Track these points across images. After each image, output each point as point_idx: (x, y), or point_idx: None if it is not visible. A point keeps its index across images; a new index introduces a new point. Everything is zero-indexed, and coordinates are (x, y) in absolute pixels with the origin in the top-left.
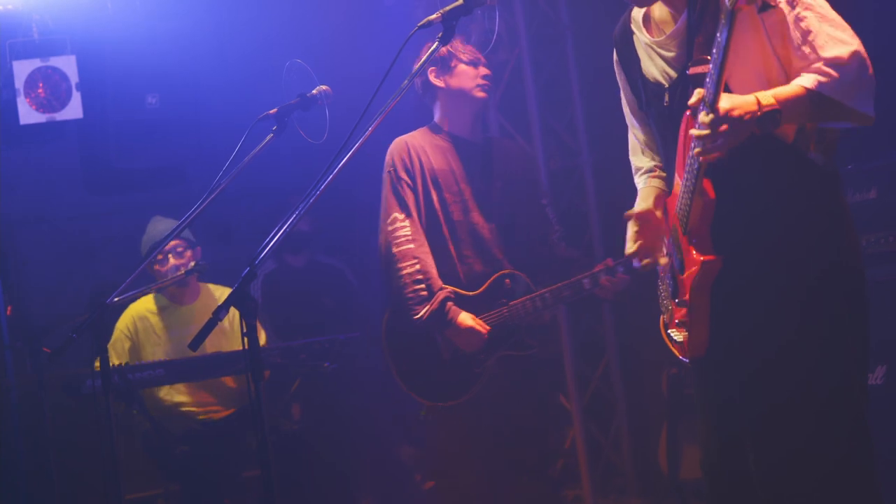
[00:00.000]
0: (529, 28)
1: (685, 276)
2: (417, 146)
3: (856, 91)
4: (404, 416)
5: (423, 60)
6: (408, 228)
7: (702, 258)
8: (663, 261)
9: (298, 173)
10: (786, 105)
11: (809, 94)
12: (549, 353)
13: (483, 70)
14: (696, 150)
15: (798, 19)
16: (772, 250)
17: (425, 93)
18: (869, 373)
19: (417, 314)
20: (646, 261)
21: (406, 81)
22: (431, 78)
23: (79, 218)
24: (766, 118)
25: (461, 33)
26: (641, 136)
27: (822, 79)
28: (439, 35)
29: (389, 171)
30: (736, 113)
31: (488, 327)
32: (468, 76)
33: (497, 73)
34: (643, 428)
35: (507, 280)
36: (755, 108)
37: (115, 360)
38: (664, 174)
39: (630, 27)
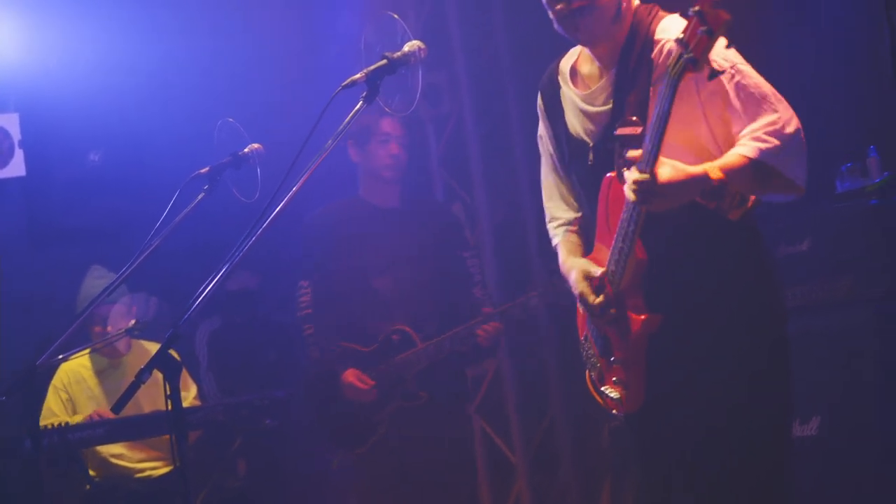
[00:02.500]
0: (471, 80)
1: (621, 334)
2: (332, 214)
3: (794, 161)
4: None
5: (345, 122)
6: (309, 295)
7: (641, 317)
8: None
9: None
10: (731, 176)
11: (752, 164)
12: (454, 402)
13: (393, 148)
14: (632, 201)
15: (738, 87)
16: (699, 307)
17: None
18: (803, 423)
19: (318, 371)
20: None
21: (330, 142)
22: (350, 150)
23: (23, 274)
24: (716, 191)
25: (385, 93)
26: (563, 187)
27: (763, 146)
28: (363, 95)
29: (303, 240)
30: (676, 186)
31: (372, 382)
32: (377, 156)
33: (440, 125)
34: (590, 480)
35: (395, 336)
36: (705, 182)
37: (56, 418)
38: (579, 229)
39: (557, 80)
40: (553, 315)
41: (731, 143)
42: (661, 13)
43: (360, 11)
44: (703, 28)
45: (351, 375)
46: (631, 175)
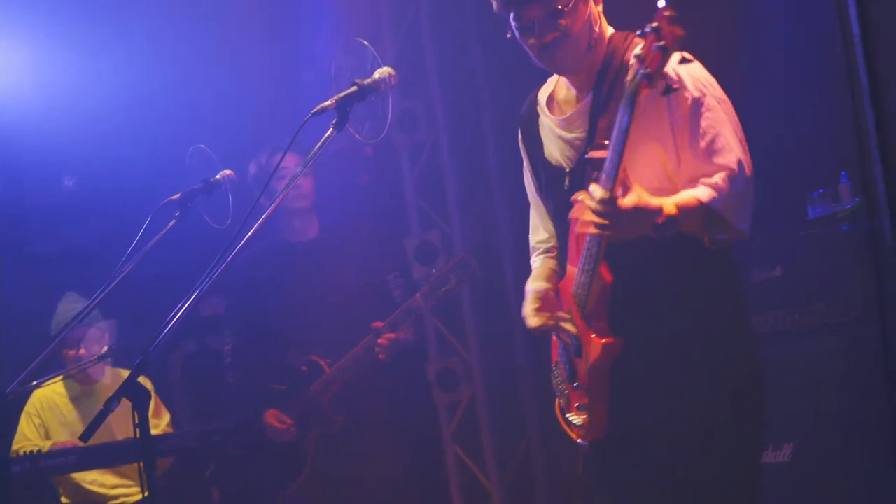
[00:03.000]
0: (447, 107)
1: (584, 359)
2: (249, 263)
3: (743, 211)
4: None
5: (315, 149)
6: (231, 345)
7: (602, 341)
8: (570, 328)
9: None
10: (682, 214)
11: (703, 207)
12: (377, 420)
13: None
14: (591, 228)
15: (702, 113)
16: (671, 334)
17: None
18: (776, 450)
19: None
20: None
21: (300, 168)
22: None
23: None
24: (667, 226)
25: (356, 120)
26: (541, 216)
27: (717, 194)
28: (334, 121)
29: (227, 290)
30: (635, 213)
31: (289, 420)
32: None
33: (415, 152)
34: None
35: (304, 367)
36: (658, 216)
37: (29, 442)
38: (557, 256)
39: (535, 109)
40: (529, 340)
41: (687, 170)
42: (636, 40)
43: (334, 38)
44: (658, 44)
45: (270, 417)
46: (594, 192)
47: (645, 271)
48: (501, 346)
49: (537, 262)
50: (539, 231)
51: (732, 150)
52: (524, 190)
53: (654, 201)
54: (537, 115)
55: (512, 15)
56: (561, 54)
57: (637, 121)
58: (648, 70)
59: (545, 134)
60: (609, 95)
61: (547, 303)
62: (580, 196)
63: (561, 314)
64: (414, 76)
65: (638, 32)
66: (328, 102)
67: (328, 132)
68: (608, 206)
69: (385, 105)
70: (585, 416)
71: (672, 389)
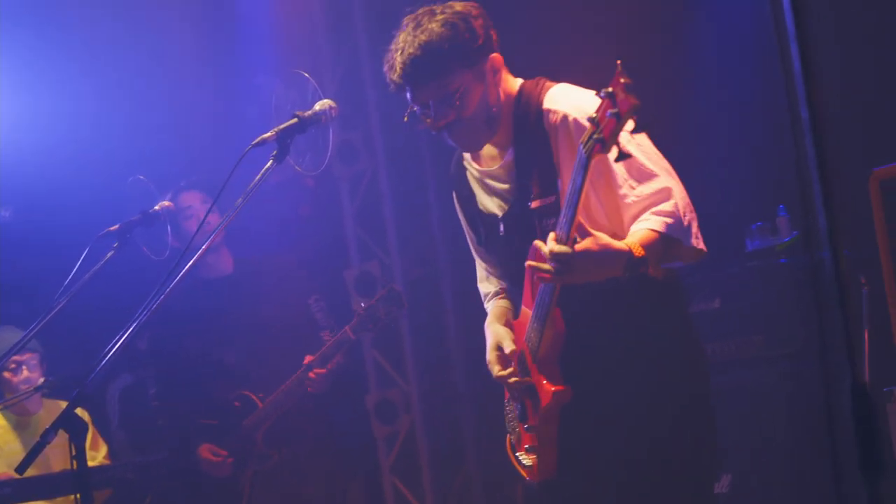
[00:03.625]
0: (386, 138)
1: (535, 402)
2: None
3: (691, 228)
4: None
5: (255, 181)
6: (154, 388)
7: (553, 388)
8: (527, 381)
9: None
10: (649, 251)
11: (661, 238)
12: (313, 452)
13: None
14: (545, 275)
15: (630, 157)
16: (624, 376)
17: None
18: (715, 482)
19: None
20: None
21: (240, 200)
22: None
23: None
24: (636, 265)
25: (296, 152)
26: (485, 267)
27: (668, 220)
28: (274, 153)
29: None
30: (598, 257)
31: (224, 453)
32: (190, 229)
33: (354, 183)
34: None
35: (237, 402)
36: (626, 257)
37: None
38: (507, 296)
39: (462, 163)
40: (469, 370)
41: (629, 210)
42: (547, 84)
43: (275, 71)
44: (612, 110)
45: (205, 451)
46: (548, 245)
47: (598, 317)
48: (440, 376)
49: (490, 305)
50: (485, 281)
51: (657, 174)
52: (420, 243)
53: (620, 244)
54: (465, 169)
55: (409, 97)
56: (456, 137)
57: (565, 174)
58: (602, 136)
59: (475, 185)
60: (533, 145)
61: (503, 350)
62: (537, 243)
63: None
64: (353, 108)
65: (593, 94)
66: (269, 134)
67: (268, 164)
68: (566, 257)
69: (326, 137)
70: (534, 458)
71: (621, 432)
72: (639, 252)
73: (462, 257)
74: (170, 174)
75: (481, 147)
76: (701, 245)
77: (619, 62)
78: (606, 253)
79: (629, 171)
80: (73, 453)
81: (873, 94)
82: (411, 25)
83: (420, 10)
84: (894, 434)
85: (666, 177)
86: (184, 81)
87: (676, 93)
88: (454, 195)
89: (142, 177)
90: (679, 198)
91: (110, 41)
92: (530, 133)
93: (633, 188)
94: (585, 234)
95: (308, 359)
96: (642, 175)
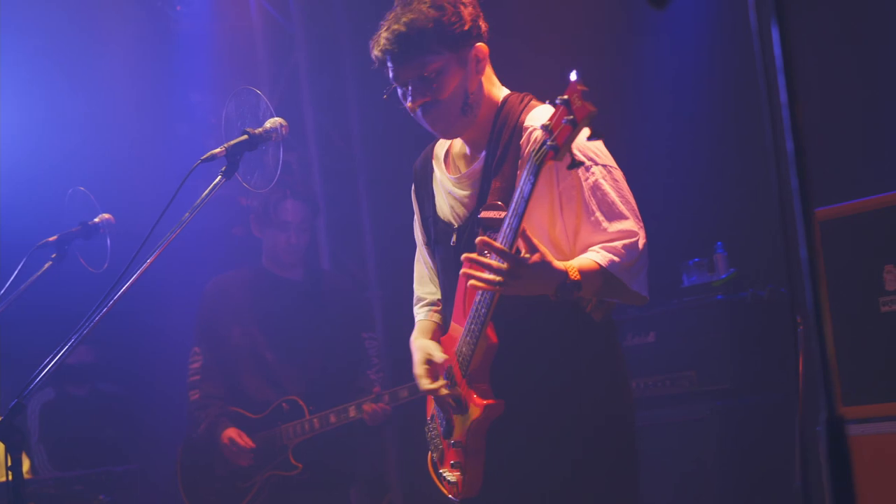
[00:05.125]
0: (323, 162)
1: (463, 417)
2: (229, 285)
3: (640, 276)
4: None
5: (203, 197)
6: (199, 362)
7: (484, 402)
8: (456, 394)
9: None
10: (585, 279)
11: (602, 272)
12: (331, 478)
13: (292, 238)
14: (483, 284)
15: (595, 188)
16: (551, 398)
17: (255, 229)
18: None
19: (200, 429)
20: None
21: (188, 214)
22: (252, 224)
23: None
24: (570, 289)
25: (245, 168)
26: (428, 269)
27: (615, 258)
28: (223, 169)
29: (200, 306)
30: (538, 271)
31: (252, 444)
32: (276, 242)
33: None
34: None
35: (285, 405)
36: (562, 278)
37: None
38: (442, 310)
39: (431, 163)
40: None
41: (584, 238)
42: (533, 102)
43: (211, 90)
44: (568, 117)
45: (232, 431)
46: (494, 248)
47: (529, 334)
48: (411, 401)
49: (421, 315)
50: (425, 282)
51: (626, 216)
52: (396, 244)
53: (559, 264)
54: (432, 169)
55: (391, 75)
56: (431, 119)
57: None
58: (556, 143)
59: (437, 188)
60: (503, 157)
61: (432, 363)
62: (473, 255)
63: (453, 390)
64: (291, 129)
65: (547, 102)
66: (218, 150)
67: (217, 179)
68: (507, 263)
69: (275, 155)
70: (459, 474)
71: (547, 451)
72: (574, 275)
73: (394, 279)
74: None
75: (454, 134)
76: (641, 291)
77: (574, 70)
78: (545, 268)
79: (600, 205)
80: (9, 464)
81: (815, 133)
82: (401, 5)
83: None
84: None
85: (634, 221)
86: (121, 98)
87: (616, 125)
88: (413, 189)
89: (82, 188)
90: (635, 242)
91: (46, 54)
92: (504, 146)
93: (598, 222)
94: (528, 242)
95: (377, 389)
96: (612, 213)
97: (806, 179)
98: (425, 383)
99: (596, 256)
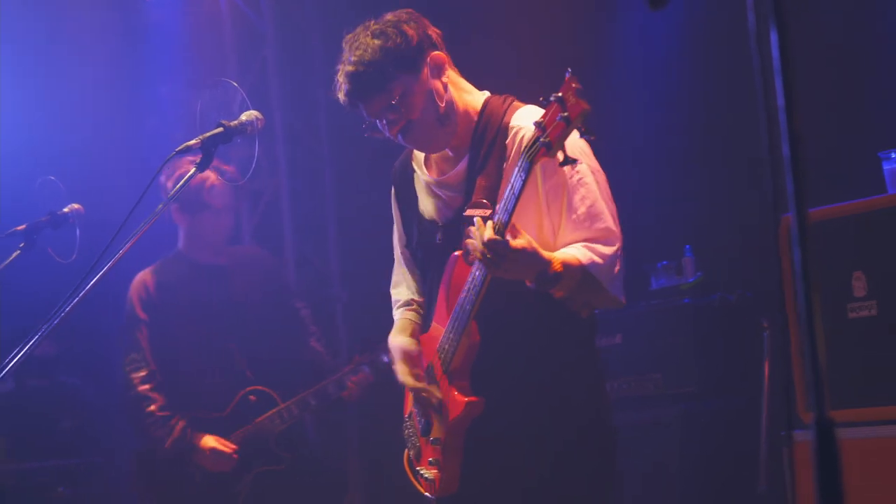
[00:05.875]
0: (290, 158)
1: (442, 415)
2: (156, 280)
3: (617, 279)
4: None
5: (177, 188)
6: (144, 369)
7: (465, 399)
8: (436, 393)
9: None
10: (566, 272)
11: (582, 270)
12: (319, 461)
13: (227, 220)
14: (480, 258)
15: (580, 184)
16: (534, 396)
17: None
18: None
19: (165, 445)
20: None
21: (160, 206)
22: (174, 213)
23: None
24: (551, 279)
25: (221, 157)
26: (406, 272)
27: (597, 259)
28: (196, 161)
29: (128, 313)
30: (524, 255)
31: (234, 446)
32: (208, 227)
33: (255, 200)
34: None
35: (252, 396)
36: (546, 266)
37: None
38: (420, 309)
39: (411, 164)
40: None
41: (565, 237)
42: (515, 103)
43: (181, 83)
44: (562, 114)
45: (211, 440)
46: (485, 233)
47: (510, 333)
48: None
49: (397, 315)
50: (401, 286)
51: (607, 219)
52: (361, 242)
53: (545, 253)
54: (413, 171)
55: (364, 114)
56: (413, 139)
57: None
58: (549, 139)
59: (420, 188)
60: (487, 156)
61: (413, 361)
62: (458, 254)
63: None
64: None
65: (541, 100)
66: (193, 142)
67: (191, 171)
68: (501, 247)
69: (251, 148)
70: (436, 472)
71: (526, 449)
72: (557, 267)
73: (358, 277)
74: (72, 178)
75: (443, 147)
76: (618, 294)
77: (569, 69)
78: (532, 255)
79: (583, 203)
80: None
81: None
82: (349, 44)
83: (357, 28)
84: (793, 482)
85: (613, 224)
86: (88, 89)
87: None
88: (392, 192)
89: (52, 177)
90: (615, 248)
91: (12, 42)
92: (489, 146)
93: (581, 220)
94: (515, 232)
95: (356, 358)
96: (594, 213)
97: (802, 184)
98: (409, 381)
99: (578, 253)
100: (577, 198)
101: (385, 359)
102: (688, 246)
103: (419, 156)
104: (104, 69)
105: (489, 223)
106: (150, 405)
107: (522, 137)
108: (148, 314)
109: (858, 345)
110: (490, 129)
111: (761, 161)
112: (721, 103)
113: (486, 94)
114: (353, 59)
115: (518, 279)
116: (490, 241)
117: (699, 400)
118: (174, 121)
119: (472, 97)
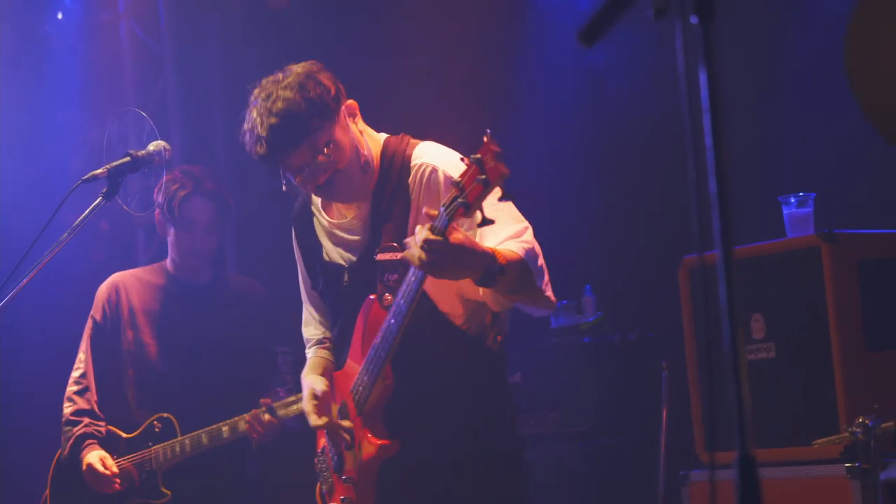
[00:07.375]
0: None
1: (355, 455)
2: (127, 285)
3: (543, 275)
4: None
5: (81, 218)
6: (81, 370)
7: (379, 442)
8: (348, 429)
9: None
10: (509, 266)
11: (521, 262)
12: None
13: (201, 239)
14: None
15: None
16: (448, 434)
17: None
18: None
19: (64, 452)
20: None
21: (66, 234)
22: (157, 220)
23: None
24: (497, 271)
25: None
26: (313, 310)
27: (527, 246)
28: (104, 190)
29: (94, 307)
30: (464, 251)
31: (115, 469)
32: (184, 243)
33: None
34: None
35: (157, 423)
36: (490, 260)
37: None
38: (332, 346)
39: (310, 208)
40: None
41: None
42: (412, 140)
43: (80, 109)
44: (479, 177)
45: (93, 457)
46: (422, 233)
47: (423, 373)
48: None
49: (310, 353)
50: (311, 324)
51: (525, 225)
52: (260, 268)
53: (486, 247)
54: (312, 215)
55: (281, 168)
56: (338, 190)
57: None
58: (467, 200)
59: (321, 233)
60: (391, 198)
61: (324, 400)
62: (374, 297)
63: (343, 422)
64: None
65: (460, 158)
66: (99, 171)
67: (97, 201)
68: (440, 245)
69: (158, 178)
70: None
71: (440, 486)
72: (502, 259)
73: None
74: None
75: (359, 198)
76: (551, 295)
77: (488, 130)
78: (474, 251)
79: (500, 213)
80: None
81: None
82: (261, 97)
83: (263, 82)
84: None
85: (528, 228)
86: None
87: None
88: (293, 234)
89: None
90: (536, 246)
91: None
92: (392, 187)
93: (500, 223)
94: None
95: (266, 400)
96: (511, 218)
97: (728, 221)
98: (314, 419)
99: (514, 247)
100: (493, 207)
101: (281, 394)
102: (588, 286)
103: (317, 201)
104: (3, 93)
105: (426, 226)
106: (68, 407)
107: (424, 172)
108: (104, 317)
109: (756, 386)
110: (393, 170)
111: (672, 199)
112: (621, 143)
113: (384, 135)
114: (274, 111)
115: (463, 278)
116: (427, 240)
117: (597, 438)
118: (73, 147)
119: (374, 140)
